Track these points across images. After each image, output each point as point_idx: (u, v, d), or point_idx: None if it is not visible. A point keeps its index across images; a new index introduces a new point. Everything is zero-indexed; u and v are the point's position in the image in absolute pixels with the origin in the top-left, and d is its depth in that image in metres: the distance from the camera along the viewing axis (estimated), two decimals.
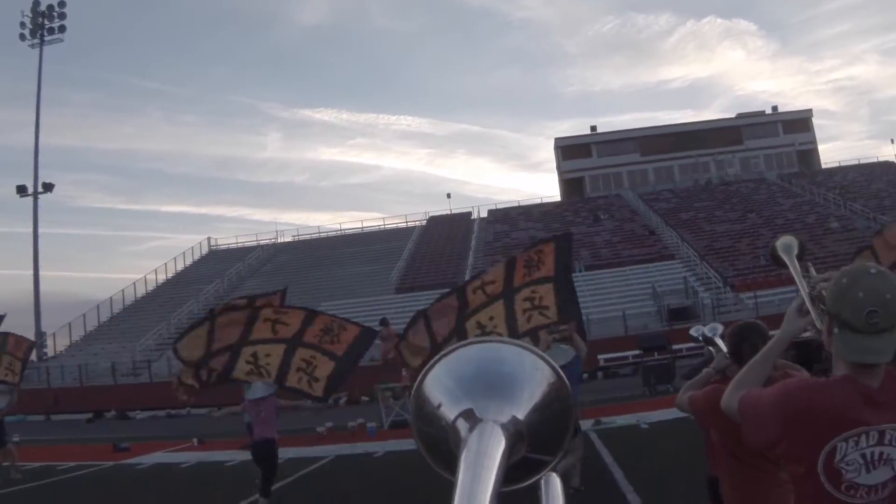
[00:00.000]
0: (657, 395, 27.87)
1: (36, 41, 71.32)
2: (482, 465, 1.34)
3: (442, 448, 1.61)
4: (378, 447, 23.71)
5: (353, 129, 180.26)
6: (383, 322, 34.91)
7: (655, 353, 34.48)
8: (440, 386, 1.68)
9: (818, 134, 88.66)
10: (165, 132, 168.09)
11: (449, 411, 1.61)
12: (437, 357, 1.73)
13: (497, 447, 1.41)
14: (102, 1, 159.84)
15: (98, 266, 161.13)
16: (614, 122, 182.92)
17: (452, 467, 1.39)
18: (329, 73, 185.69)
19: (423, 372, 1.72)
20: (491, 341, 1.80)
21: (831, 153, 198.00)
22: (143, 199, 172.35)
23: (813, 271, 4.47)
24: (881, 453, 3.45)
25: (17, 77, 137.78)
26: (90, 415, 44.79)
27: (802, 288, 4.00)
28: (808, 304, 3.84)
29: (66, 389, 49.61)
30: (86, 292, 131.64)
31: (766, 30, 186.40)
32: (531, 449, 1.59)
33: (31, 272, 67.70)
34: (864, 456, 3.45)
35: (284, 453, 21.49)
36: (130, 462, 25.56)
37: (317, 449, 23.24)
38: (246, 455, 23.49)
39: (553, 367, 1.69)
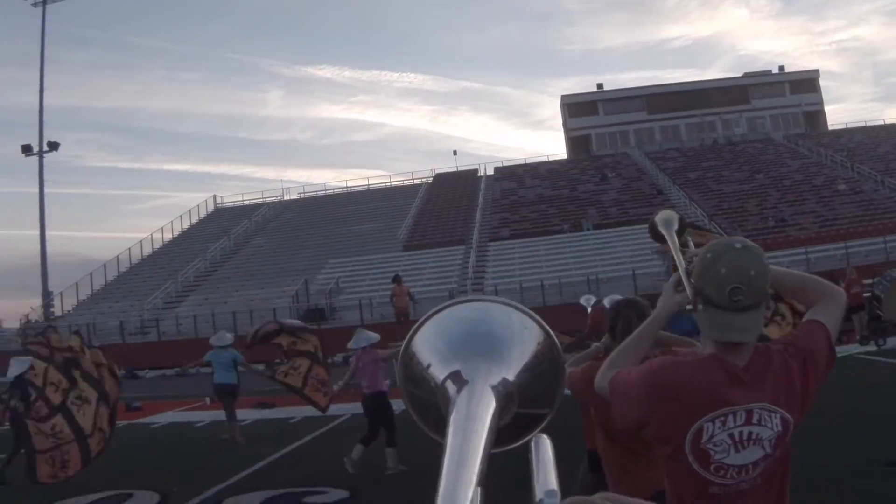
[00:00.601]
0: None
1: (40, 1, 70.94)
2: (472, 429, 1.34)
3: (431, 410, 1.63)
4: (394, 404, 23.81)
5: (356, 87, 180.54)
6: (396, 279, 34.90)
7: None
8: (429, 346, 1.70)
9: (823, 95, 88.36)
10: (167, 90, 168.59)
11: (438, 372, 1.62)
12: (424, 317, 1.74)
13: (487, 409, 1.41)
14: None
15: (101, 225, 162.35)
16: (617, 80, 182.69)
17: (442, 429, 1.39)
18: (331, 30, 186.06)
19: (411, 332, 1.74)
20: (479, 300, 1.80)
21: (835, 115, 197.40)
22: (145, 158, 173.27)
23: (692, 246, 4.53)
24: (750, 433, 3.35)
25: (19, 36, 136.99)
26: None
27: (679, 263, 3.88)
28: (684, 280, 3.70)
29: None
30: (90, 252, 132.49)
31: None
32: (522, 409, 1.59)
33: (37, 232, 67.48)
34: (731, 436, 3.35)
35: (300, 412, 21.71)
36: (144, 421, 25.65)
37: (334, 407, 23.29)
38: (260, 413, 23.75)
39: (542, 326, 1.70)
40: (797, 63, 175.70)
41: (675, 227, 4.66)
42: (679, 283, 3.77)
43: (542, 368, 1.66)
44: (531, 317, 1.70)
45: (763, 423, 3.34)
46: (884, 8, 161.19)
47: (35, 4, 71.11)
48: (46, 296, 64.28)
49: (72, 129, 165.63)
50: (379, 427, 14.90)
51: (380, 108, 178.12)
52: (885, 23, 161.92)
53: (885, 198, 56.38)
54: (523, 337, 1.67)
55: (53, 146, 69.06)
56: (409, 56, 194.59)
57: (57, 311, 61.57)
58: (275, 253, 63.13)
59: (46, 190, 68.45)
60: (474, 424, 1.36)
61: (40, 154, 68.47)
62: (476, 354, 1.61)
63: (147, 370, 43.76)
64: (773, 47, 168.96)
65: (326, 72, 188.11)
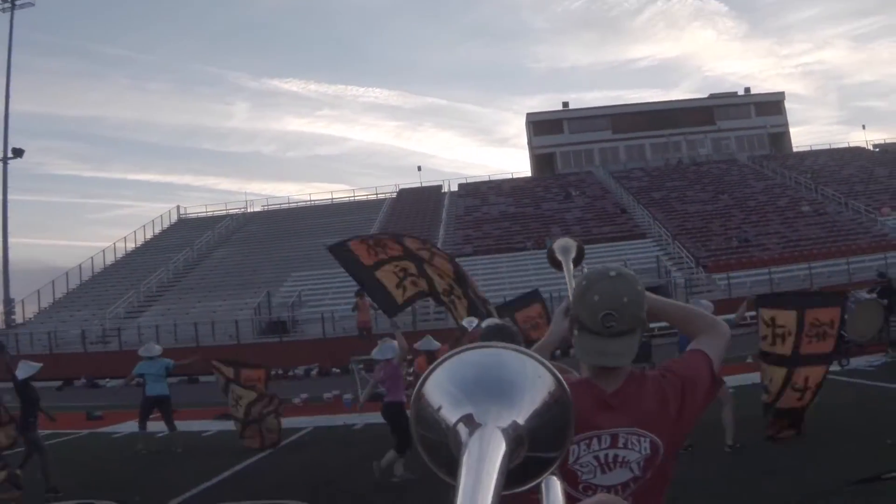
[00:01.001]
0: None
1: (7, 5, 70.63)
2: (483, 470, 1.37)
3: (442, 452, 1.61)
4: (356, 419, 23.79)
5: (322, 101, 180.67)
6: (359, 293, 34.79)
7: None
8: (441, 389, 1.67)
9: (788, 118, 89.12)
10: (132, 100, 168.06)
11: (449, 415, 1.60)
12: (437, 361, 1.71)
13: (497, 451, 1.43)
14: None
15: (64, 233, 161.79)
16: (583, 98, 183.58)
17: (453, 471, 1.43)
18: (297, 44, 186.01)
19: (423, 376, 1.70)
20: (493, 346, 1.76)
21: (800, 137, 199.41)
22: (109, 167, 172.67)
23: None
24: (616, 456, 3.44)
25: None
26: (60, 382, 44.51)
27: (570, 290, 3.94)
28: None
29: (36, 356, 49.05)
30: (52, 259, 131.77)
31: (737, 11, 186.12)
32: (531, 453, 1.59)
33: (1, 236, 67.12)
34: (597, 458, 3.44)
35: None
36: (105, 431, 25.98)
37: (295, 420, 23.18)
38: (221, 424, 23.59)
39: (554, 374, 1.70)
40: (763, 85, 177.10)
41: (573, 254, 4.72)
42: (569, 308, 3.81)
43: (553, 414, 1.66)
44: (544, 365, 1.70)
45: (630, 446, 3.43)
46: (849, 32, 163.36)
47: (3, 10, 70.75)
48: (8, 303, 63.79)
49: (35, 137, 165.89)
50: (407, 434, 14.97)
51: (345, 122, 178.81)
52: (851, 47, 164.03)
53: (848, 220, 56.94)
54: (536, 383, 1.67)
55: (18, 153, 68.62)
56: (375, 71, 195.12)
57: (18, 318, 61.46)
58: (238, 265, 62.93)
59: (12, 197, 68.18)
60: (485, 466, 1.37)
61: (4, 161, 68.02)
62: (488, 398, 1.60)
63: (108, 379, 43.42)
64: (740, 69, 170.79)
65: (292, 85, 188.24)
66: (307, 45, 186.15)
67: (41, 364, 16.40)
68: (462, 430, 1.53)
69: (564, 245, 4.82)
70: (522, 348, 1.76)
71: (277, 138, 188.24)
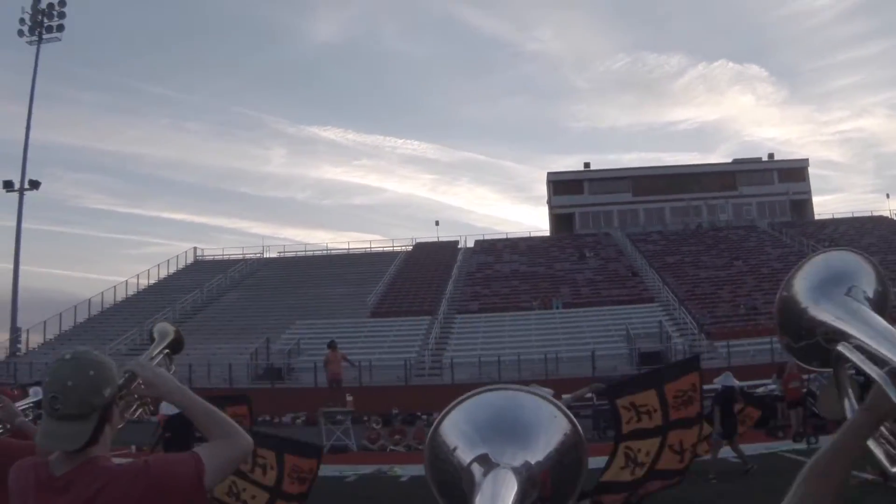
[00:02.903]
0: (606, 440, 27.41)
1: (34, 38, 71.13)
2: None
3: (455, 491, 1.66)
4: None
5: (359, 150, 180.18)
6: (331, 345, 34.60)
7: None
8: (457, 430, 1.72)
9: (822, 185, 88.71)
10: (170, 139, 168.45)
11: (464, 455, 1.66)
12: (454, 402, 1.76)
13: (509, 492, 1.48)
14: (118, 5, 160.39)
15: (96, 267, 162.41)
16: (621, 160, 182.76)
17: None
18: (338, 92, 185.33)
19: (440, 416, 1.75)
20: (509, 388, 1.81)
21: (835, 205, 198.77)
22: (144, 205, 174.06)
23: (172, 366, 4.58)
24: None
25: (21, 73, 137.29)
26: None
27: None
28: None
29: (33, 387, 49.28)
30: (82, 292, 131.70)
31: (777, 76, 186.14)
32: (543, 494, 1.61)
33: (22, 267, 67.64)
34: None
35: None
36: None
37: None
38: None
39: (569, 418, 1.72)
40: (800, 151, 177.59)
41: (170, 338, 4.74)
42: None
43: (566, 457, 1.69)
44: (559, 408, 1.73)
45: None
46: (888, 101, 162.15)
47: (30, 42, 71.29)
48: (14, 332, 63.87)
49: (73, 169, 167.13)
50: None
51: (381, 172, 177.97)
52: (889, 115, 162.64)
53: None
54: (551, 427, 1.70)
55: (34, 184, 69.16)
56: (414, 123, 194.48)
57: (23, 348, 61.48)
58: (244, 309, 62.84)
59: (42, 227, 68.92)
60: None
61: (21, 191, 68.41)
62: (503, 438, 1.65)
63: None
64: (777, 134, 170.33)
65: (330, 133, 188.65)
66: (347, 93, 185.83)
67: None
68: (476, 469, 1.60)
69: (162, 329, 4.86)
70: (538, 391, 1.79)
71: (313, 185, 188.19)
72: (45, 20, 70.98)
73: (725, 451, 19.23)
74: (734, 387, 20.09)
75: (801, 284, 2.26)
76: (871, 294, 2.25)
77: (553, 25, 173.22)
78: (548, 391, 16.11)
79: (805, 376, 26.03)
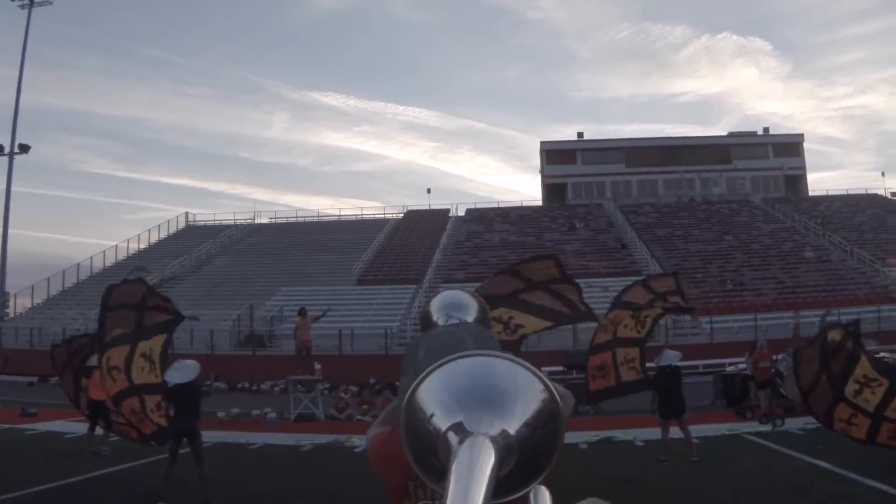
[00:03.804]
0: (576, 415, 27.26)
1: (26, 2, 70.89)
2: (472, 478, 1.39)
3: (432, 459, 1.64)
4: (264, 438, 24.19)
5: (360, 116, 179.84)
6: (301, 311, 34.43)
7: (574, 372, 33.67)
8: (432, 397, 1.67)
9: (823, 161, 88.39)
10: (172, 103, 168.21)
11: (440, 422, 1.61)
12: (429, 369, 1.71)
13: (487, 460, 1.44)
14: None
15: (94, 232, 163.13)
16: (622, 131, 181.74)
17: (442, 479, 1.45)
18: (340, 58, 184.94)
19: (414, 383, 1.71)
20: (485, 355, 1.75)
21: (835, 181, 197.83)
22: (144, 169, 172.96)
23: None
24: None
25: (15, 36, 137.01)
26: (35, 378, 44.98)
27: None
28: None
29: (17, 351, 49.83)
30: (78, 257, 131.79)
31: (781, 50, 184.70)
32: (520, 462, 1.59)
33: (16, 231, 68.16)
34: None
35: None
36: (23, 427, 26.52)
37: (207, 434, 22.94)
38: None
39: (546, 384, 1.66)
40: (802, 126, 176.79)
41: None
42: None
43: (543, 424, 1.62)
44: (535, 373, 1.66)
45: None
46: (892, 78, 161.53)
47: (22, 6, 71.00)
48: (2, 295, 64.37)
49: (72, 133, 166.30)
50: None
51: (382, 139, 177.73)
52: (892, 92, 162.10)
53: (850, 269, 56.15)
54: (527, 393, 1.64)
55: (24, 148, 69.21)
56: (416, 90, 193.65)
57: (11, 312, 62.25)
58: (231, 276, 62.92)
59: (42, 192, 68.93)
60: (474, 474, 1.40)
61: (10, 155, 68.52)
62: (479, 406, 1.60)
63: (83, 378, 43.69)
64: (780, 109, 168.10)
65: (332, 99, 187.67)
66: (350, 59, 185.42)
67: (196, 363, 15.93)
68: (452, 437, 1.55)
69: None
70: (515, 357, 1.73)
71: (314, 151, 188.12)
72: None
73: (675, 432, 18.97)
74: (676, 366, 19.70)
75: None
76: None
77: None
78: (675, 354, 16.55)
79: (775, 356, 25.86)
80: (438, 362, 1.72)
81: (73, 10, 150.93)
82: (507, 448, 1.52)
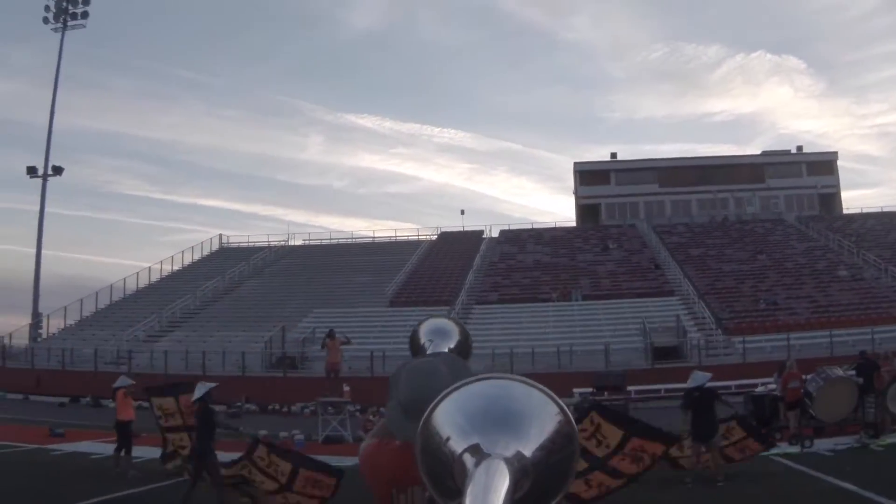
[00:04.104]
0: None
1: (59, 25, 71.49)
2: (487, 500, 1.40)
3: (447, 481, 1.65)
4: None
5: (396, 138, 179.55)
6: (329, 334, 34.45)
7: (605, 393, 33.53)
8: (448, 420, 1.71)
9: (859, 179, 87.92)
10: (206, 125, 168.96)
11: (456, 445, 1.64)
12: (445, 392, 1.75)
13: (502, 482, 1.45)
14: None
15: (129, 253, 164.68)
16: (656, 151, 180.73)
17: (457, 500, 1.47)
18: (375, 80, 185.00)
19: (431, 406, 1.75)
20: (500, 378, 1.78)
21: (872, 199, 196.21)
22: (179, 191, 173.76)
23: None
24: None
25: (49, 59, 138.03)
26: (67, 399, 45.48)
27: None
28: None
29: (49, 371, 50.27)
30: (113, 277, 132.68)
31: (816, 68, 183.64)
32: (536, 485, 1.59)
33: (53, 252, 68.86)
34: None
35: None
36: (51, 447, 26.50)
37: (235, 456, 22.98)
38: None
39: (561, 407, 1.70)
40: (838, 145, 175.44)
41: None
42: None
43: (559, 446, 1.66)
44: (550, 396, 1.71)
45: None
46: None
47: (55, 29, 71.63)
48: (35, 317, 64.44)
49: (108, 155, 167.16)
50: None
51: (418, 161, 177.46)
52: None
53: (885, 286, 55.54)
54: (542, 415, 1.68)
55: (57, 170, 69.77)
56: (451, 111, 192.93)
57: (44, 333, 62.54)
58: (264, 297, 63.07)
59: (78, 213, 69.43)
60: (490, 497, 1.41)
61: (44, 177, 69.09)
62: (495, 428, 1.63)
63: (111, 400, 43.93)
64: (815, 127, 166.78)
65: (367, 121, 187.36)
66: (384, 81, 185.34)
67: (215, 384, 16.10)
68: (468, 459, 1.57)
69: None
70: (530, 380, 1.75)
71: (350, 173, 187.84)
72: (70, 7, 71.29)
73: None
74: (706, 386, 19.34)
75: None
76: None
77: (589, 14, 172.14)
78: (705, 375, 16.32)
79: (805, 376, 25.66)
80: (453, 386, 1.75)
81: (105, 33, 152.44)
82: (522, 470, 1.53)
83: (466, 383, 1.75)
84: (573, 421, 1.70)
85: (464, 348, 4.83)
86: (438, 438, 1.69)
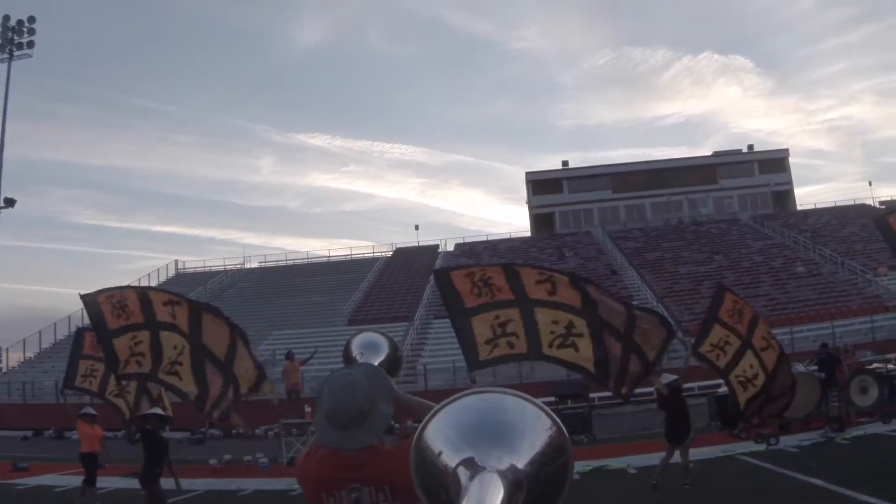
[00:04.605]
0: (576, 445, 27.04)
1: (5, 56, 70.88)
2: None
3: (442, 496, 1.65)
4: (255, 484, 24.18)
5: (347, 156, 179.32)
6: (288, 355, 34.35)
7: (569, 402, 33.44)
8: (441, 435, 1.70)
9: (812, 174, 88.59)
10: (159, 151, 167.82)
11: (449, 459, 1.64)
12: (437, 407, 1.76)
13: (496, 495, 1.45)
14: (102, 19, 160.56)
15: (89, 284, 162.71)
16: (609, 157, 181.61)
17: None
18: (324, 98, 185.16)
19: (423, 421, 1.74)
20: (492, 391, 1.78)
21: (825, 194, 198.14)
22: (134, 218, 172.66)
23: None
24: None
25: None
26: (30, 432, 45.21)
27: None
28: None
29: (10, 405, 49.92)
30: (72, 308, 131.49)
31: (763, 67, 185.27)
32: (530, 497, 1.59)
33: (14, 286, 68.07)
34: None
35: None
36: (15, 482, 26.32)
37: (197, 482, 22.72)
38: (127, 482, 23.24)
39: (554, 419, 1.70)
40: (789, 142, 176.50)
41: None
42: None
43: (551, 458, 1.67)
44: (543, 409, 1.72)
45: None
46: (875, 87, 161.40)
47: (1, 60, 71.04)
48: None
49: (63, 185, 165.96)
50: None
51: (370, 178, 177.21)
52: (877, 102, 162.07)
53: (842, 280, 55.92)
54: (535, 428, 1.69)
55: (10, 202, 68.99)
56: (401, 127, 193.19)
57: (4, 366, 61.90)
58: None
59: (34, 245, 68.72)
60: None
61: None
62: (488, 441, 1.63)
63: (75, 432, 43.69)
64: (765, 125, 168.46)
65: (318, 140, 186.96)
66: (334, 99, 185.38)
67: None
68: (462, 473, 1.57)
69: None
70: (522, 393, 1.76)
71: (303, 193, 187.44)
72: (15, 37, 70.68)
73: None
74: (676, 388, 19.34)
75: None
76: None
77: (538, 24, 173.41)
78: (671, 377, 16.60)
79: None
80: (445, 401, 1.75)
81: (54, 62, 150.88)
82: (516, 483, 1.53)
83: (458, 397, 1.75)
84: (566, 433, 1.70)
85: (393, 361, 5.27)
86: (431, 453, 1.68)
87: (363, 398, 4.34)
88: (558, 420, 1.71)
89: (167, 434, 20.54)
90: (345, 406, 4.32)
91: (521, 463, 1.58)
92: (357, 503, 4.40)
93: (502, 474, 1.51)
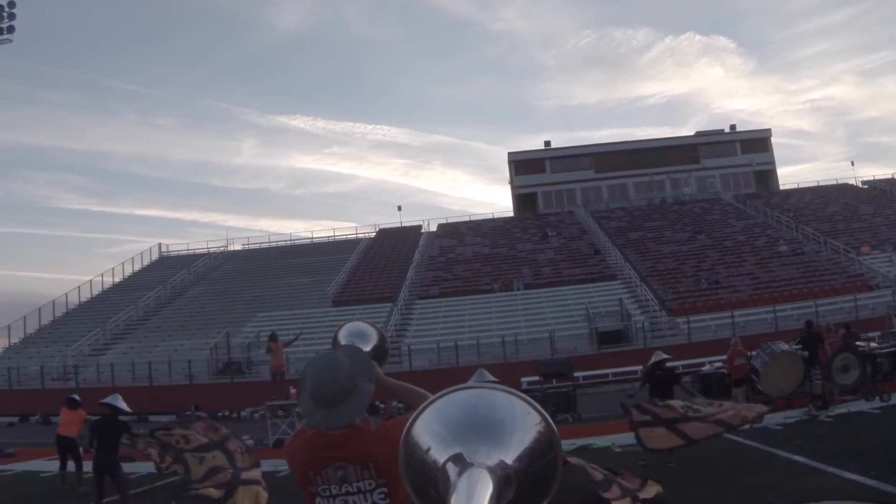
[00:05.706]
0: (556, 423, 27.12)
1: None
2: None
3: (431, 492, 1.66)
4: None
5: (330, 138, 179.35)
6: (272, 337, 34.20)
7: (554, 381, 33.60)
8: (430, 431, 1.72)
9: (794, 154, 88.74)
10: (140, 135, 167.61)
11: (438, 455, 1.65)
12: (426, 402, 1.76)
13: (485, 491, 1.44)
14: (82, 3, 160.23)
15: (72, 269, 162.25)
16: (591, 137, 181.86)
17: None
18: (306, 80, 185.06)
19: (412, 417, 1.76)
20: (481, 387, 1.80)
21: (807, 174, 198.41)
22: (116, 202, 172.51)
23: None
24: None
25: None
26: (16, 418, 45.05)
27: None
28: None
29: None
30: (57, 294, 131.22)
31: (745, 47, 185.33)
32: (519, 493, 1.60)
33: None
34: None
35: (141, 467, 21.27)
36: (1, 468, 26.56)
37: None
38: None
39: (543, 415, 1.71)
40: (771, 122, 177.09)
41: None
42: None
43: (540, 453, 1.67)
44: (531, 405, 1.72)
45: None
46: (857, 68, 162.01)
47: None
48: None
49: (44, 169, 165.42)
50: None
51: (353, 160, 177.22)
52: (859, 82, 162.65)
53: (825, 259, 56.14)
54: (524, 423, 1.69)
55: None
56: (383, 108, 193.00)
57: None
58: (207, 304, 62.77)
59: (15, 230, 68.53)
60: None
61: None
62: (477, 437, 1.64)
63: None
64: (747, 105, 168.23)
65: (300, 122, 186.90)
66: (315, 81, 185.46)
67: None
68: (451, 469, 1.57)
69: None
70: (511, 389, 1.78)
71: (286, 175, 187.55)
72: None
73: None
74: (667, 366, 19.57)
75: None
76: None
77: (518, 4, 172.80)
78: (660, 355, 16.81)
79: (750, 353, 25.79)
80: (434, 396, 1.76)
81: (34, 47, 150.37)
82: (505, 479, 1.54)
83: (447, 393, 1.76)
84: (555, 428, 1.71)
85: (381, 350, 5.36)
86: (420, 449, 1.70)
87: (345, 376, 4.45)
88: (548, 416, 1.73)
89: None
90: (327, 384, 4.42)
91: (510, 459, 1.61)
92: (343, 480, 4.54)
93: (491, 470, 1.53)
